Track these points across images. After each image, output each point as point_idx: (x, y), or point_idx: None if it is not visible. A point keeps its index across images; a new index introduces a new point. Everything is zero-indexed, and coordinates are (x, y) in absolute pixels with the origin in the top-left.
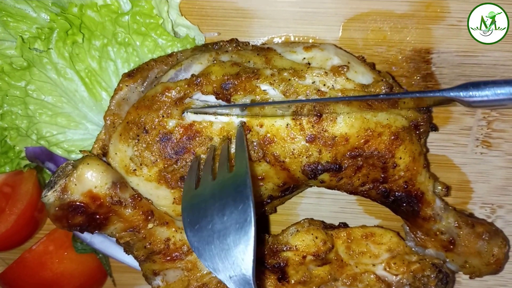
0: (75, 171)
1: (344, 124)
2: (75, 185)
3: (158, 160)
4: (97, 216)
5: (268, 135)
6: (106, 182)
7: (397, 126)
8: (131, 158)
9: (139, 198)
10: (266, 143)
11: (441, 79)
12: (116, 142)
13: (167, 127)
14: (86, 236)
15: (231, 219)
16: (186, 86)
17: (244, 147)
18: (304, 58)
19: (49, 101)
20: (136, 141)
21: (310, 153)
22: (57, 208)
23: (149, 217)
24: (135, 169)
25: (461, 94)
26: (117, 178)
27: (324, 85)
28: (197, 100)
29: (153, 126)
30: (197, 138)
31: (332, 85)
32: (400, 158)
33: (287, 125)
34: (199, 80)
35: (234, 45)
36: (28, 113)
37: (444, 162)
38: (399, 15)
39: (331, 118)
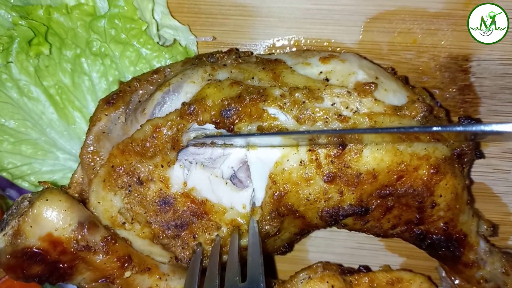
0: (30, 209)
1: (372, 158)
2: (31, 227)
3: (154, 225)
4: (60, 265)
5: (280, 189)
6: (70, 223)
7: (437, 157)
8: (121, 212)
9: (113, 241)
10: (278, 198)
11: (481, 92)
12: (98, 189)
13: (169, 185)
14: None
15: None
16: (178, 118)
17: (259, 251)
18: (321, 72)
19: (11, 126)
20: (127, 191)
21: (329, 195)
22: (9, 256)
23: (126, 264)
24: (124, 223)
25: None
26: (85, 216)
27: (347, 107)
28: (193, 132)
29: (149, 178)
30: (203, 220)
31: (357, 108)
32: (441, 196)
33: (300, 162)
34: (192, 109)
35: (234, 56)
36: None
37: (482, 191)
38: (432, 14)
39: (355, 151)
